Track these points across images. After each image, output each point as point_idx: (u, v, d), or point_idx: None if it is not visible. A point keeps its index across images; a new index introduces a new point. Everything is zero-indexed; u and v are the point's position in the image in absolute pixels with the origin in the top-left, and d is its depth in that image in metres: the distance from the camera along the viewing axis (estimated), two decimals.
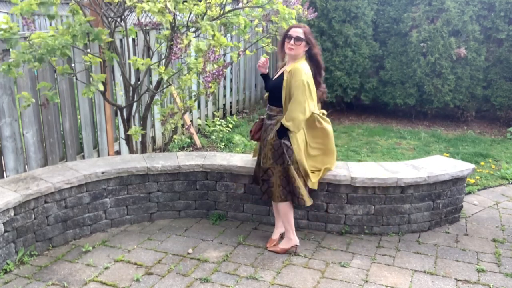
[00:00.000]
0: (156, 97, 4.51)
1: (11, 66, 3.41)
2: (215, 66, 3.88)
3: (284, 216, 3.55)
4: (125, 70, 4.28)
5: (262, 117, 3.73)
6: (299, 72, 3.31)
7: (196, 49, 3.71)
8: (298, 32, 3.34)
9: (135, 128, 4.15)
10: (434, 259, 3.51)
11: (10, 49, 3.58)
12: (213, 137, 6.42)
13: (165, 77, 3.88)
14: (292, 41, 3.33)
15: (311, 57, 3.45)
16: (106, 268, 3.32)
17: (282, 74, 3.45)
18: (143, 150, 4.84)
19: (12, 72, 3.45)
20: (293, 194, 3.48)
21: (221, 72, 3.82)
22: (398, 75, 7.46)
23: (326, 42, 7.48)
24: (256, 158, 3.83)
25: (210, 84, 3.83)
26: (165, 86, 4.28)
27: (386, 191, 3.77)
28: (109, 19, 4.06)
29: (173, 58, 3.66)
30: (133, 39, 5.05)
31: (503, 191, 4.85)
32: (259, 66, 3.62)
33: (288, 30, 3.41)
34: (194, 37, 4.05)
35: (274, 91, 3.48)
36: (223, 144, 6.19)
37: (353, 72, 7.54)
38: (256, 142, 3.91)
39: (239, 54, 4.34)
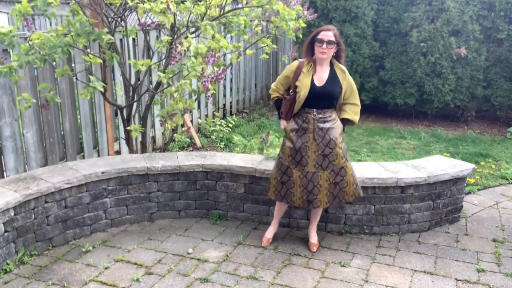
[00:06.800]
0: (156, 97, 4.51)
1: (12, 69, 3.41)
2: (215, 68, 3.86)
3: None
4: (125, 70, 4.28)
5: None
6: (347, 72, 3.49)
7: (195, 52, 3.68)
8: (329, 35, 3.27)
9: (134, 125, 4.14)
10: (434, 259, 3.51)
11: (10, 51, 3.58)
12: (213, 137, 6.43)
13: (164, 81, 3.88)
14: (324, 45, 3.26)
15: (338, 58, 3.44)
16: (106, 268, 3.32)
17: (333, 78, 3.40)
18: (143, 150, 4.84)
19: (13, 76, 3.44)
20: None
21: (219, 76, 3.79)
22: (398, 75, 7.46)
23: None
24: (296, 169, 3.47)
25: (209, 87, 3.82)
26: (165, 86, 4.28)
27: (386, 191, 3.78)
28: (109, 19, 4.06)
29: (172, 63, 3.66)
30: (133, 39, 5.05)
31: (503, 191, 4.85)
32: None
33: (317, 34, 3.31)
34: (194, 38, 4.04)
35: (332, 95, 3.40)
36: (223, 144, 6.19)
37: (353, 72, 7.54)
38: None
39: (239, 54, 4.33)
